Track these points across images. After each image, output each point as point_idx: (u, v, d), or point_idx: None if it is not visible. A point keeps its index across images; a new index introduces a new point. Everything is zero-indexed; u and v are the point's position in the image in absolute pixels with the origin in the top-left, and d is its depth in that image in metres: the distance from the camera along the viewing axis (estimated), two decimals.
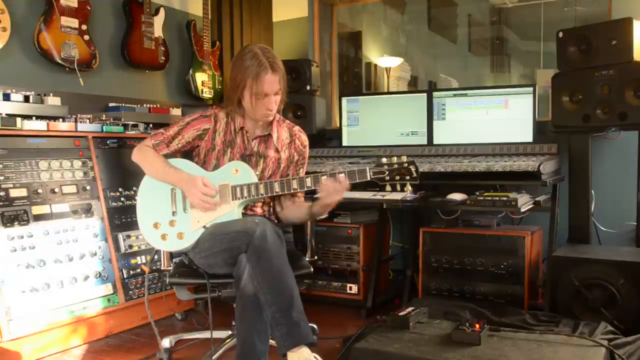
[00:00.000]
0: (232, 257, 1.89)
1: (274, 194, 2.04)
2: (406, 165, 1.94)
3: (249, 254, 1.83)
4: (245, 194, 2.03)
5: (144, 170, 2.16)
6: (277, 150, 2.19)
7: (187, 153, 2.21)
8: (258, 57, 2.02)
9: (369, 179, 1.95)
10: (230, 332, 2.33)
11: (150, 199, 2.12)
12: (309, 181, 2.00)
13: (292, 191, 2.04)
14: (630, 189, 2.86)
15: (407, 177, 1.93)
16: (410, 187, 1.94)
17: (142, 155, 2.15)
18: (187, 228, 2.06)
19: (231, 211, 2.04)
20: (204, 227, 2.04)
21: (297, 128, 2.28)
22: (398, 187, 1.94)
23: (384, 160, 1.96)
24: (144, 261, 2.85)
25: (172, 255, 2.27)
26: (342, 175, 1.95)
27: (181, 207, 2.08)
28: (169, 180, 2.10)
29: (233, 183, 2.04)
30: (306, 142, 2.28)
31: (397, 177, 1.94)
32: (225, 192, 2.04)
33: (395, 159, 1.95)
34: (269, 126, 2.19)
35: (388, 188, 1.96)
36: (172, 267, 2.22)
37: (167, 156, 2.15)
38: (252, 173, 2.07)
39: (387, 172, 1.94)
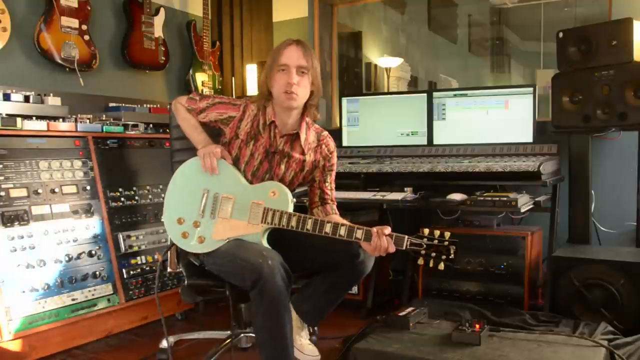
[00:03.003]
0: (241, 280, 1.85)
1: (305, 231, 1.89)
2: (446, 243, 1.81)
3: (255, 293, 1.78)
4: (276, 221, 1.91)
5: (177, 121, 2.19)
6: (302, 152, 2.09)
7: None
8: (287, 39, 2.01)
9: (403, 248, 1.82)
10: (229, 332, 2.33)
11: (181, 191, 2.04)
12: (342, 230, 1.86)
13: (323, 234, 1.87)
14: (630, 189, 2.85)
15: (444, 257, 1.81)
16: (442, 266, 1.81)
17: (177, 111, 2.18)
18: (210, 235, 1.97)
19: (256, 233, 1.93)
20: (227, 239, 1.96)
21: (325, 133, 2.18)
22: (431, 263, 1.82)
23: (426, 231, 1.83)
24: (144, 261, 2.84)
25: (178, 259, 2.22)
26: (392, 244, 1.82)
27: (209, 212, 1.99)
28: (194, 139, 2.10)
29: (267, 205, 1.94)
30: (333, 148, 2.18)
31: (434, 254, 1.81)
32: (257, 212, 1.94)
33: (437, 233, 1.83)
34: (298, 125, 2.07)
35: (420, 261, 1.84)
36: (180, 269, 2.14)
37: None
38: (289, 201, 1.95)
39: (424, 246, 1.82)
